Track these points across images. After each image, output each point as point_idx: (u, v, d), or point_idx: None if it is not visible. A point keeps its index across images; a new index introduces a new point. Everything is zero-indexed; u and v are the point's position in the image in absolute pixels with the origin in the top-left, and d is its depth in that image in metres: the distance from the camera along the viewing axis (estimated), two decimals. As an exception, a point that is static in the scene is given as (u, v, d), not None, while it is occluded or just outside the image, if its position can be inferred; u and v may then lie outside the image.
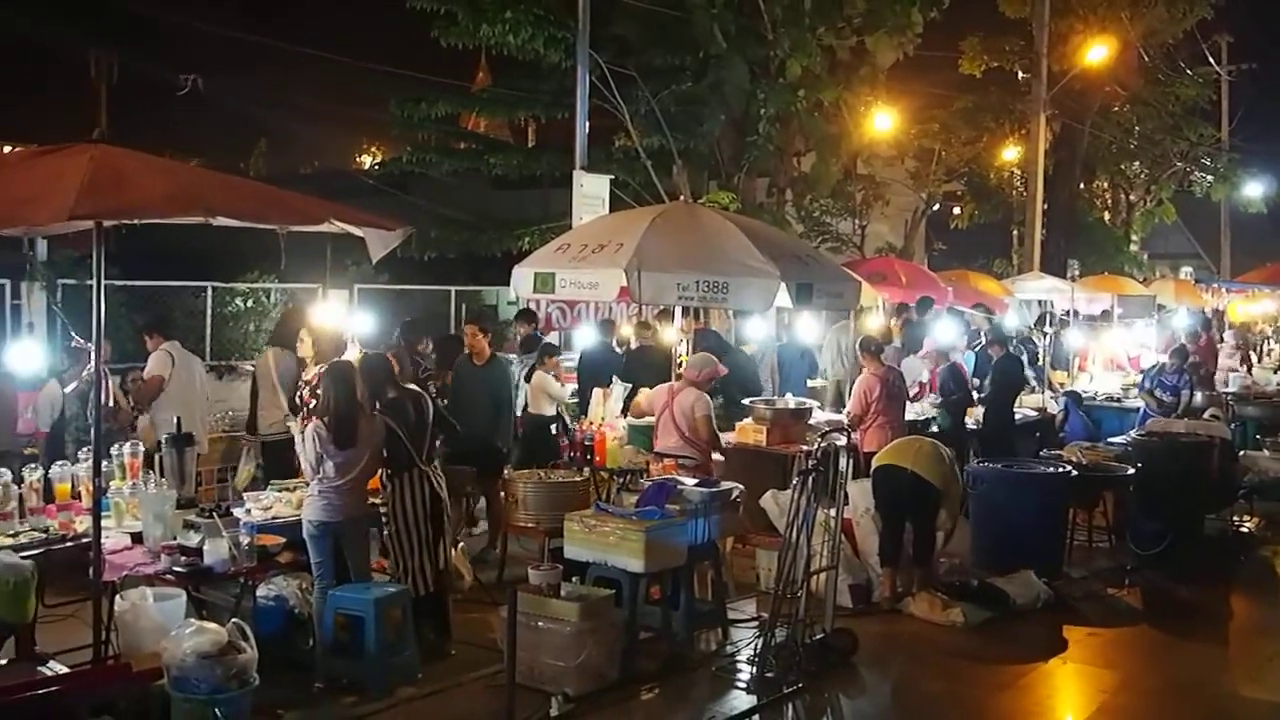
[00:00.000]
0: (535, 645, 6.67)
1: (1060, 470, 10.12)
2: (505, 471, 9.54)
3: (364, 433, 7.02)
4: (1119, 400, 15.46)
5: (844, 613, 8.12)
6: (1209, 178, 29.67)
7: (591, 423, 10.29)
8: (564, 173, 15.40)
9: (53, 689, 5.01)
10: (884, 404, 10.46)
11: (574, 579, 7.26)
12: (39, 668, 5.47)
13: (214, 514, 6.80)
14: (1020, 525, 9.58)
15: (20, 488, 7.07)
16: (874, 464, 9.09)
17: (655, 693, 7.10)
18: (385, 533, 7.46)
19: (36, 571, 5.53)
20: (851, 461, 7.95)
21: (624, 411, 10.58)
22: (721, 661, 7.55)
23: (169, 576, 6.53)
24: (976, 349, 14.30)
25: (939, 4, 19.68)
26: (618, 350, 12.51)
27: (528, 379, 11.12)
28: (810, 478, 7.32)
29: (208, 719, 5.55)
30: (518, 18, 16.57)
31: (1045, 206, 24.17)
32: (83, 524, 6.83)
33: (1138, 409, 14.42)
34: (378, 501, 7.54)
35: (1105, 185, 31.74)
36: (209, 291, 16.23)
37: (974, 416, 12.62)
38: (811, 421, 10.78)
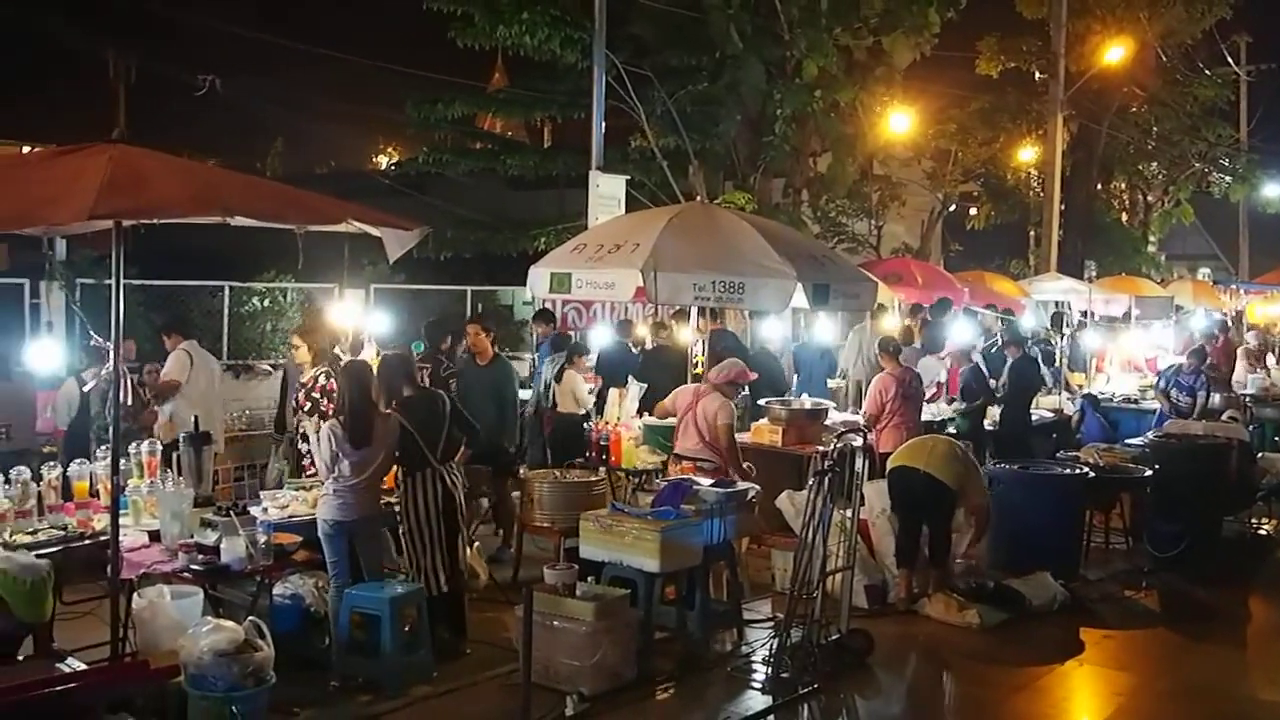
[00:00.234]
0: (551, 644, 6.68)
1: (1077, 472, 10.09)
2: (521, 471, 9.55)
3: (379, 431, 7.04)
4: (1136, 402, 15.40)
5: (859, 613, 8.11)
6: (1227, 178, 29.51)
7: (608, 423, 10.29)
8: (580, 173, 15.40)
9: (70, 685, 5.02)
10: (899, 404, 10.44)
11: (589, 579, 7.27)
12: (57, 664, 5.49)
13: (231, 512, 6.84)
14: (1037, 527, 9.55)
15: (39, 485, 7.12)
16: (888, 465, 9.07)
17: (670, 692, 7.10)
18: (400, 531, 7.47)
19: (53, 571, 5.55)
20: (867, 462, 7.94)
21: (640, 411, 10.59)
22: (737, 662, 7.54)
23: (186, 574, 6.56)
24: (993, 349, 14.25)
25: (956, 4, 19.62)
26: (634, 350, 12.51)
27: (558, 379, 11.14)
28: (826, 478, 7.31)
29: (224, 716, 5.57)
30: (534, 18, 16.59)
31: (1062, 207, 24.09)
32: (101, 522, 6.86)
33: (1154, 411, 14.36)
34: (392, 501, 7.57)
35: (1123, 186, 31.61)
36: (226, 291, 16.29)
37: (990, 418, 12.59)
38: (827, 422, 10.78)
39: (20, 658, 5.58)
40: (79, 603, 7.22)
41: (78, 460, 7.48)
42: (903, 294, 15.82)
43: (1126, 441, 12.50)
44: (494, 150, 20.61)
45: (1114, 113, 26.75)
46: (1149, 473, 10.62)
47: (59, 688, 4.95)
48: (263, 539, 6.71)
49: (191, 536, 6.75)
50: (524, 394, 11.59)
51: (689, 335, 10.80)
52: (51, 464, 7.44)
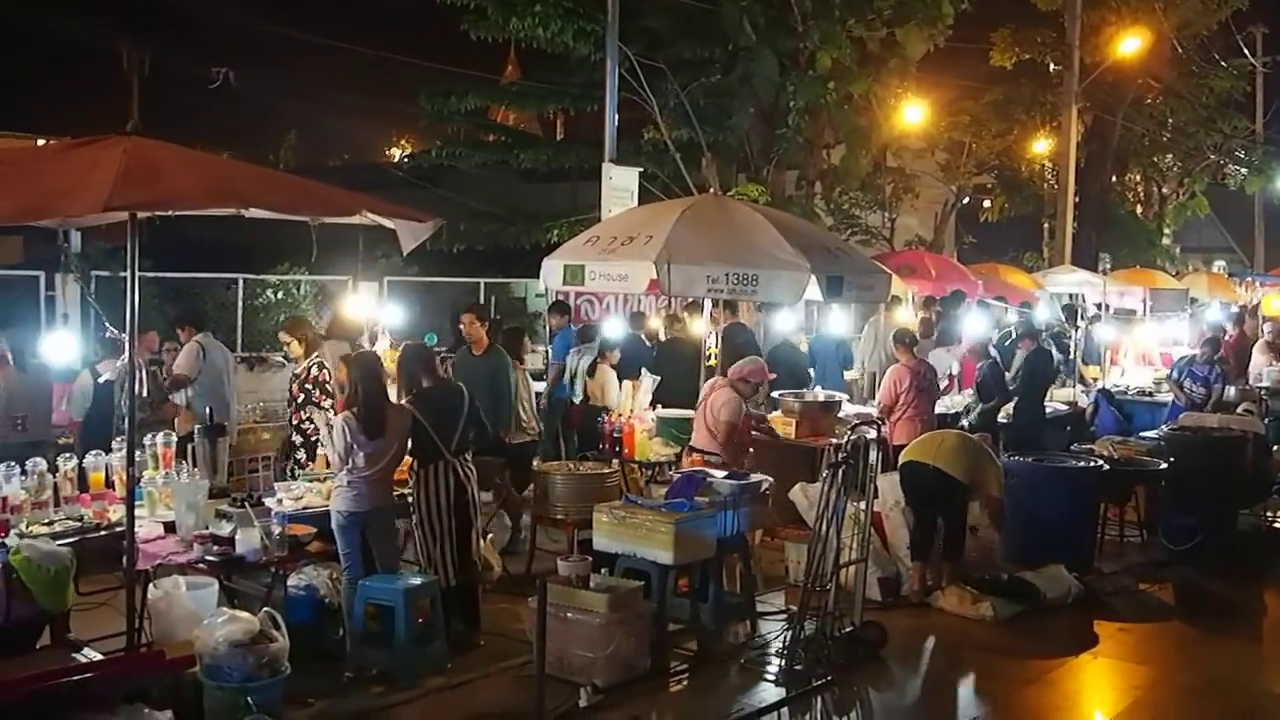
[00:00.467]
0: (564, 636, 6.68)
1: (1092, 464, 10.06)
2: (534, 463, 9.56)
3: (392, 422, 7.05)
4: (1150, 394, 15.33)
5: (873, 606, 8.09)
6: (1243, 170, 29.39)
7: (621, 415, 10.30)
8: (593, 165, 15.41)
9: (87, 675, 5.06)
10: (914, 396, 10.44)
11: (603, 571, 7.27)
12: (74, 654, 5.53)
13: (246, 504, 6.86)
14: (1051, 519, 9.52)
15: (55, 477, 7.15)
16: (900, 459, 9.05)
17: (684, 684, 7.11)
18: (411, 522, 7.48)
19: (75, 560, 5.58)
20: (881, 454, 7.92)
21: (653, 403, 10.61)
22: (750, 654, 7.53)
23: (201, 565, 6.59)
24: (1005, 342, 14.20)
25: (969, -5, 19.59)
26: (647, 343, 12.51)
27: (590, 373, 11.15)
28: (840, 470, 7.30)
29: (240, 707, 5.59)
30: (547, 11, 16.58)
31: (1076, 200, 24.01)
32: (116, 513, 6.88)
33: (1169, 403, 14.30)
34: (405, 492, 7.58)
35: (1137, 178, 31.49)
36: (240, 283, 16.35)
37: (1004, 411, 12.55)
38: (841, 414, 10.76)
39: (37, 647, 5.63)
40: (95, 593, 7.23)
41: (93, 451, 7.50)
42: (916, 286, 15.77)
43: (1141, 434, 12.45)
44: (507, 143, 20.63)
45: (1129, 104, 26.63)
46: (1164, 466, 10.58)
47: (76, 677, 4.98)
48: (277, 530, 6.74)
49: (206, 528, 6.78)
50: (537, 385, 11.58)
51: (702, 327, 10.79)
52: (67, 455, 7.47)
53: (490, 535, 8.86)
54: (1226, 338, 17.25)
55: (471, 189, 23.27)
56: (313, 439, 8.75)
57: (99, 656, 5.61)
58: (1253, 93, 31.15)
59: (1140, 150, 28.83)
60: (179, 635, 6.17)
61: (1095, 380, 15.56)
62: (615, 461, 9.52)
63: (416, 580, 7.02)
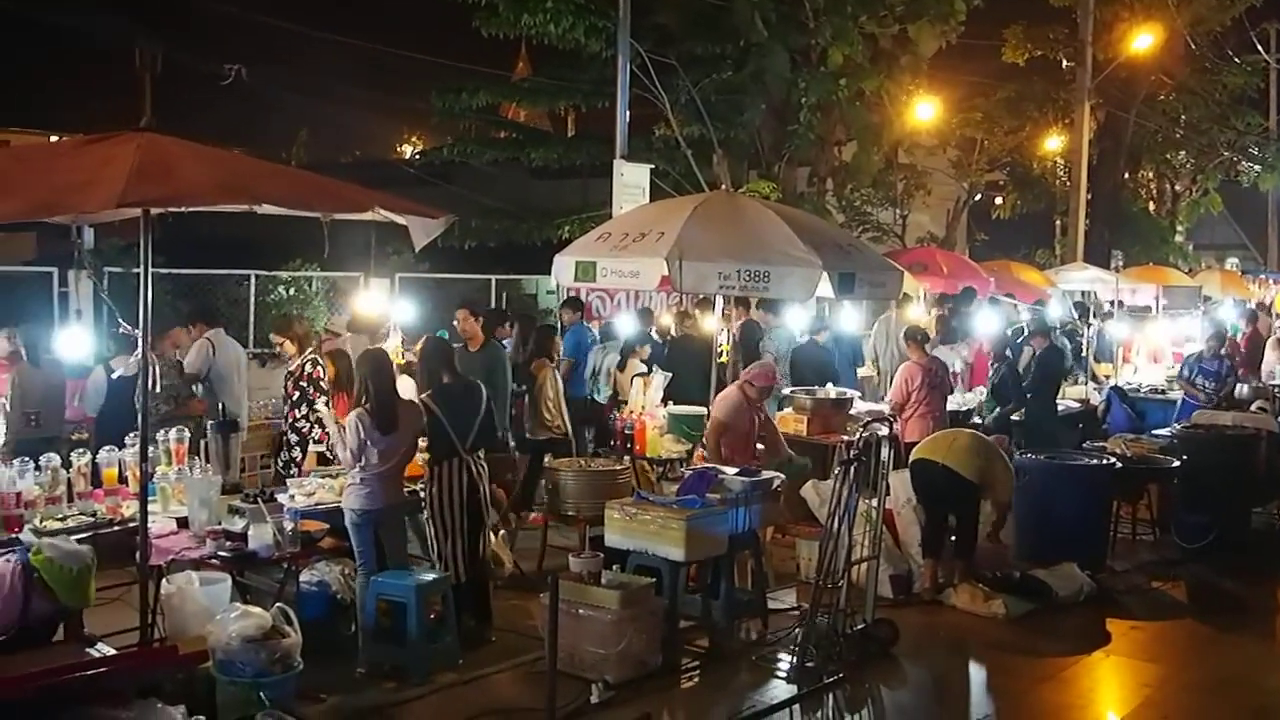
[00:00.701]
0: (576, 633, 6.68)
1: (1104, 462, 10.03)
2: (546, 459, 9.56)
3: (404, 418, 7.06)
4: (1163, 392, 15.28)
5: (885, 603, 8.07)
6: (1256, 167, 29.27)
7: (632, 411, 10.30)
8: (604, 162, 15.41)
9: (101, 670, 5.07)
10: (925, 393, 10.44)
11: (614, 567, 7.27)
12: (87, 649, 5.54)
13: (258, 500, 6.88)
14: (1063, 517, 9.49)
15: (69, 472, 7.18)
16: (911, 457, 9.03)
17: (695, 681, 7.11)
18: (423, 518, 7.49)
19: (95, 557, 5.62)
20: (892, 451, 7.91)
21: (665, 400, 10.61)
22: (762, 651, 7.52)
23: (214, 561, 6.61)
24: (1016, 340, 14.16)
25: (981, -9, 19.55)
26: (657, 339, 12.50)
27: (620, 368, 11.16)
28: (852, 468, 7.29)
29: (252, 702, 5.60)
30: (558, 7, 16.60)
31: (1089, 196, 23.94)
32: (130, 508, 6.91)
33: (1180, 401, 14.25)
34: (416, 489, 7.60)
35: (1150, 175, 31.40)
36: (252, 279, 16.38)
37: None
38: (852, 411, 10.75)
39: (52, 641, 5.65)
40: (108, 589, 7.25)
41: (107, 447, 7.53)
42: (928, 283, 15.73)
43: (1154, 432, 12.42)
44: (518, 140, 20.64)
45: (1142, 101, 26.55)
46: (1177, 463, 10.54)
47: (90, 673, 5.00)
48: (290, 526, 6.75)
49: (219, 523, 6.80)
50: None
51: (714, 324, 10.78)
52: (81, 451, 7.49)
53: (502, 532, 8.86)
54: (1240, 335, 17.22)
55: (483, 186, 23.29)
56: (308, 437, 8.78)
57: (113, 652, 5.62)
58: (1266, 89, 31.04)
59: (1153, 147, 28.74)
60: (192, 630, 6.20)
61: (1107, 378, 15.52)
62: (626, 458, 9.51)
63: (428, 576, 7.02)
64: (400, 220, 6.69)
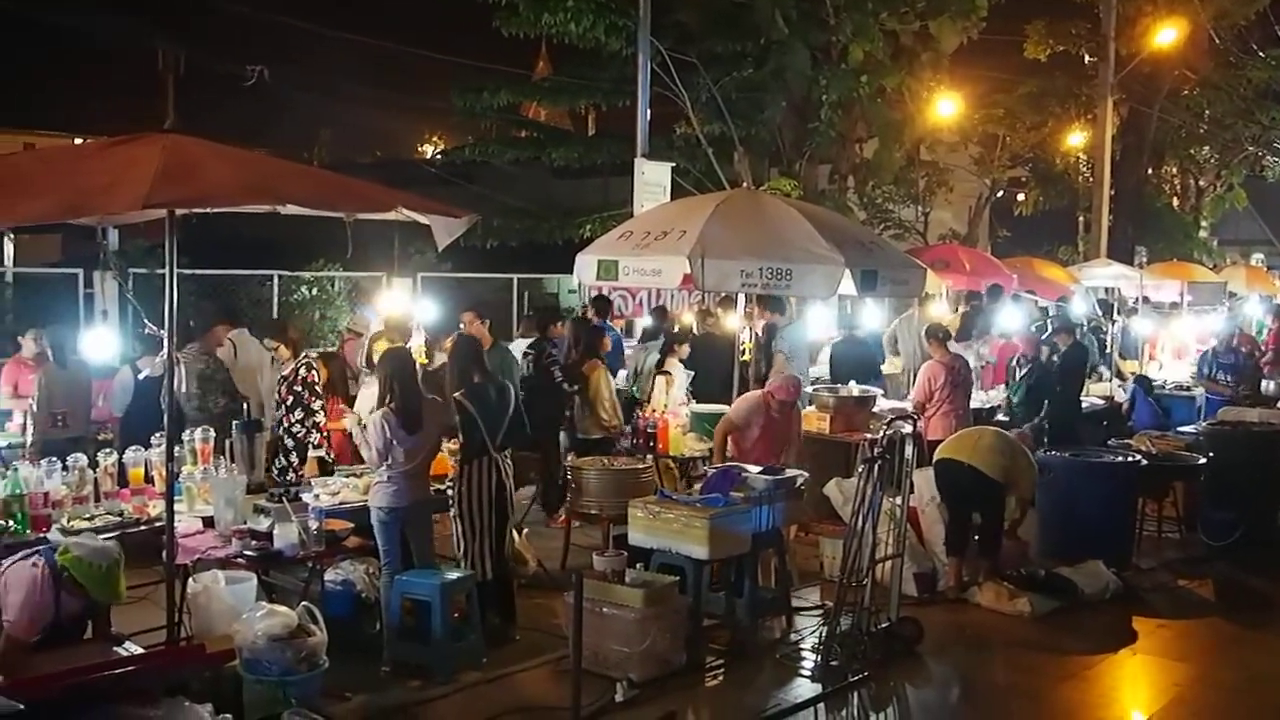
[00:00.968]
0: (600, 631, 6.68)
1: (1129, 459, 9.97)
2: (568, 459, 9.57)
3: (429, 416, 7.08)
4: (1188, 389, 15.19)
5: (909, 601, 8.06)
6: (1281, 161, 29.04)
7: (654, 410, 10.29)
8: (624, 160, 15.41)
9: (129, 669, 5.10)
10: (949, 391, 10.39)
11: (638, 566, 7.27)
12: (115, 648, 5.58)
13: (283, 499, 6.90)
14: (1089, 515, 9.45)
15: (95, 472, 7.22)
16: (935, 456, 9.00)
17: (720, 679, 7.10)
18: (450, 515, 7.50)
19: (122, 554, 5.66)
20: (916, 450, 7.88)
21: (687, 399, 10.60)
22: (785, 649, 7.53)
23: (240, 560, 6.63)
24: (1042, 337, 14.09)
25: (1003, -13, 19.46)
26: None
27: (659, 367, 11.18)
28: (876, 466, 7.26)
29: (278, 700, 5.63)
30: (579, 6, 16.61)
31: (1112, 192, 23.78)
32: (156, 508, 6.96)
33: (1203, 398, 14.16)
34: (441, 487, 7.62)
35: (1174, 170, 31.16)
36: (275, 280, 16.44)
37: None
38: (875, 409, 10.72)
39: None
40: (135, 588, 7.28)
41: (133, 447, 7.58)
42: (950, 281, 15.66)
43: (1179, 429, 12.34)
44: (539, 139, 20.66)
45: (1165, 96, 26.35)
46: (1203, 460, 10.48)
47: (118, 671, 5.03)
48: (314, 525, 6.78)
49: (245, 523, 6.82)
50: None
51: (736, 322, 10.77)
52: (107, 450, 7.53)
53: (525, 530, 8.88)
54: (1266, 331, 17.10)
55: (504, 185, 23.35)
56: (305, 442, 8.81)
57: (140, 650, 5.66)
58: (1291, 83, 30.75)
59: (1177, 142, 28.52)
60: (218, 629, 6.23)
61: (1133, 374, 15.43)
62: (649, 457, 9.51)
63: (453, 575, 7.04)
64: (423, 220, 6.70)
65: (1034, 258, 20.88)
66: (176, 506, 6.54)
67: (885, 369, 13.35)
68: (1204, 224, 30.46)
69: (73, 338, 9.91)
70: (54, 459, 7.08)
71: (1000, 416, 11.69)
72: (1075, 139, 26.24)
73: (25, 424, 9.19)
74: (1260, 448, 10.72)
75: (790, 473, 7.99)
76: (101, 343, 9.80)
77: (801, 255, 8.47)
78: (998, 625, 8.17)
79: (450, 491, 7.43)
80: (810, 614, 8.12)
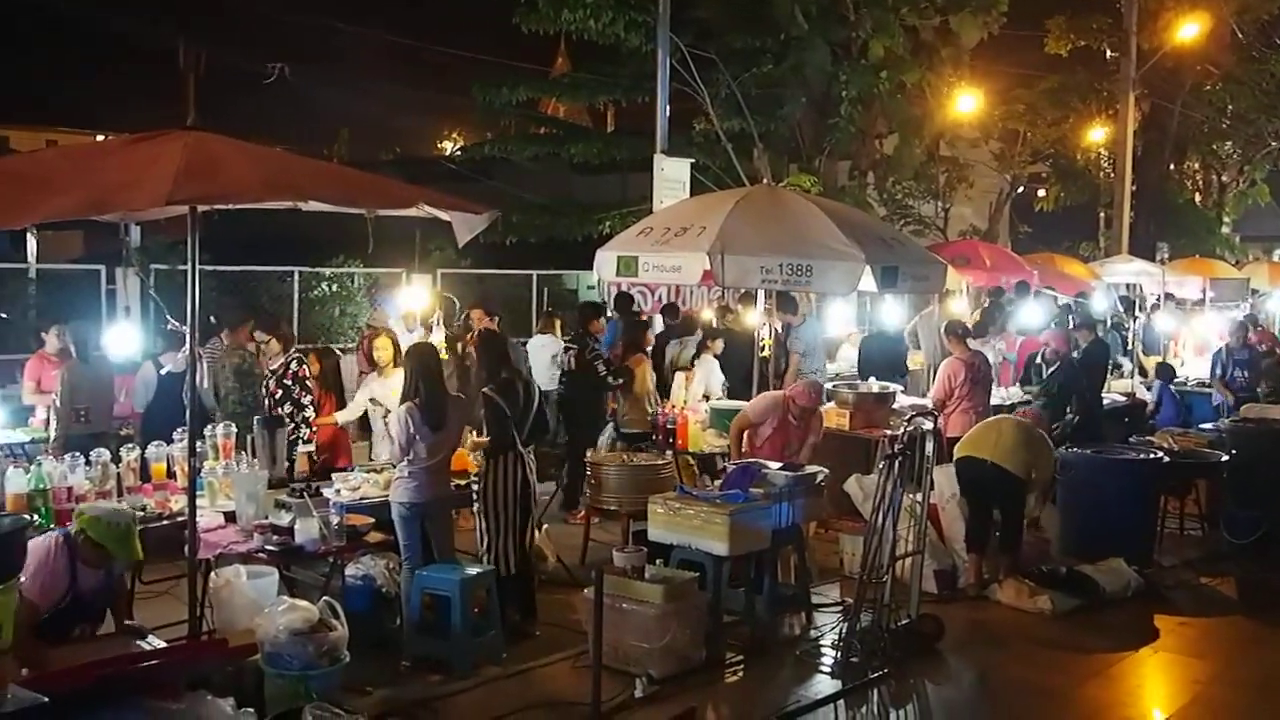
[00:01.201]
0: (620, 627, 6.69)
1: (1151, 456, 9.92)
2: (589, 454, 9.58)
3: (452, 412, 7.10)
4: (1211, 386, 15.09)
5: (929, 599, 8.04)
6: (1304, 157, 28.84)
7: (674, 406, 10.29)
8: (644, 157, 15.40)
9: (152, 663, 5.13)
10: (969, 389, 10.35)
11: (657, 562, 7.27)
12: (138, 642, 5.62)
13: (304, 494, 6.93)
14: (1110, 512, 9.40)
15: (118, 467, 7.27)
16: (955, 453, 8.97)
17: (739, 676, 7.10)
18: (475, 510, 7.52)
19: (135, 518, 5.78)
20: (936, 446, 7.85)
21: (706, 395, 10.59)
22: (805, 646, 7.51)
23: (261, 555, 6.66)
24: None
25: (1025, -19, 19.37)
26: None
27: (694, 361, 11.21)
28: (896, 462, 7.25)
29: (300, 695, 5.65)
30: (599, 2, 16.63)
31: (1134, 188, 23.69)
32: (178, 503, 6.99)
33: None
34: (462, 483, 7.64)
35: (1196, 166, 31.00)
36: (296, 276, 16.51)
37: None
38: (895, 406, 10.69)
39: (98, 634, 5.72)
40: (157, 582, 7.36)
41: (155, 442, 7.62)
42: (970, 277, 15.60)
43: (1201, 425, 12.27)
44: (558, 135, 20.67)
45: (1188, 91, 26.21)
46: (1225, 457, 10.42)
47: (141, 665, 5.06)
48: (335, 520, 6.81)
49: (266, 517, 6.86)
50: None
51: (756, 319, 10.76)
52: (130, 446, 7.58)
53: (545, 526, 8.89)
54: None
55: (523, 181, 23.37)
56: (291, 439, 8.85)
57: (163, 644, 5.69)
58: (1315, 78, 30.51)
59: (1199, 137, 28.38)
60: (240, 623, 6.26)
61: (1156, 364, 15.33)
62: (669, 453, 9.52)
63: (473, 570, 7.05)
64: (444, 216, 6.71)
65: (1055, 254, 20.80)
66: (199, 501, 6.57)
67: (913, 365, 13.32)
68: (1226, 220, 30.28)
69: (95, 333, 9.97)
70: (77, 454, 7.13)
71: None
72: (1096, 134, 26.11)
73: (49, 419, 9.27)
74: (1283, 445, 10.65)
75: (810, 469, 7.98)
76: (124, 338, 9.86)
77: (822, 251, 8.45)
78: (1018, 623, 8.14)
79: (476, 486, 7.45)
80: (830, 610, 8.11)
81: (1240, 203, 29.90)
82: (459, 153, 34.62)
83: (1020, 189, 27.20)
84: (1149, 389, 14.31)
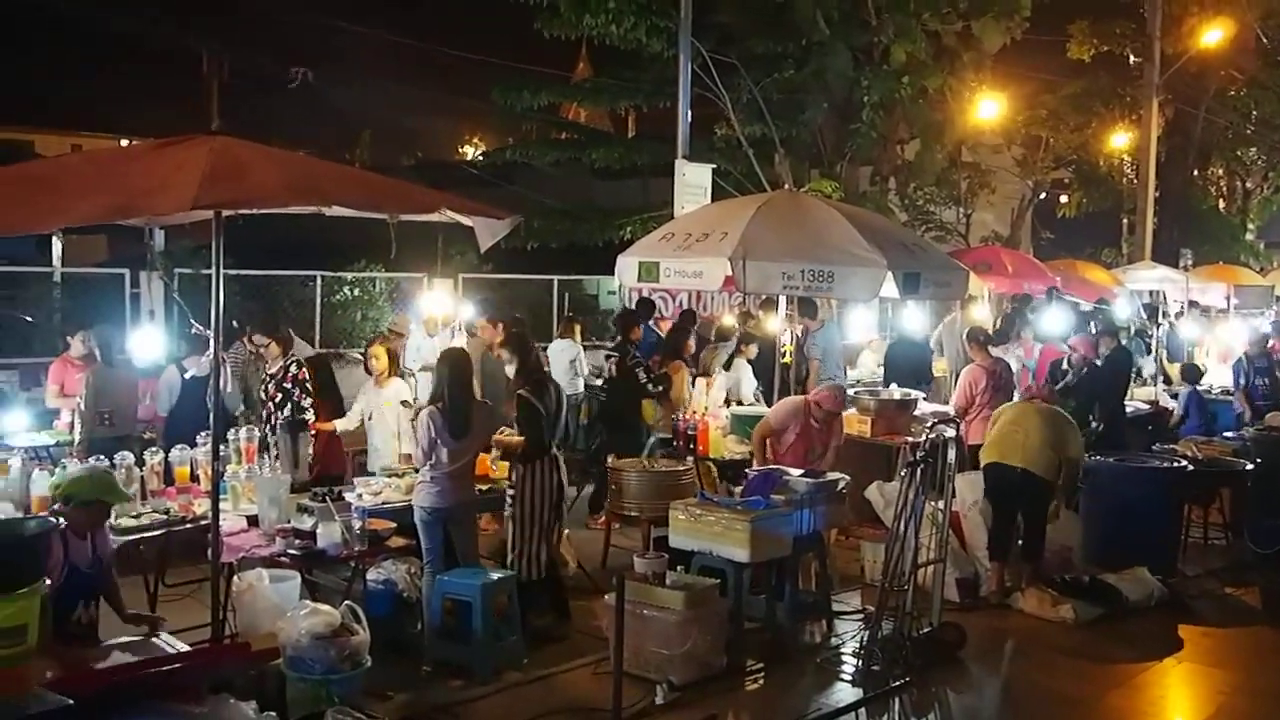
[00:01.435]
0: (641, 633, 6.68)
1: (1175, 464, 9.86)
2: (609, 460, 9.57)
3: (477, 420, 7.11)
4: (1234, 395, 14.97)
5: (951, 607, 8.00)
6: (1330, 163, 28.66)
7: (695, 412, 10.28)
8: (665, 162, 15.41)
9: (175, 666, 5.14)
10: (989, 396, 10.29)
11: (678, 568, 7.26)
12: (161, 646, 5.63)
13: (327, 498, 6.95)
14: (1133, 521, 9.35)
15: (142, 471, 7.30)
16: (982, 459, 8.91)
17: (760, 683, 7.09)
18: (507, 513, 7.53)
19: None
20: (958, 454, 7.82)
21: (727, 401, 10.58)
22: (826, 654, 7.49)
23: (284, 559, 6.68)
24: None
25: (1047, -13, 19.31)
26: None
27: (726, 366, 11.21)
28: (918, 469, 7.22)
29: (321, 699, 5.65)
30: (620, 7, 16.64)
31: (1157, 194, 23.56)
32: (201, 506, 7.02)
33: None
34: (483, 488, 7.64)
35: (1220, 172, 30.83)
36: (318, 280, 16.58)
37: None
38: (917, 413, 10.65)
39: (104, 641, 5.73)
40: (180, 585, 7.40)
41: (179, 446, 7.66)
42: (992, 283, 15.54)
43: (1226, 434, 12.19)
44: (579, 140, 20.71)
45: (1212, 96, 26.07)
46: (1250, 466, 10.35)
47: (164, 668, 5.07)
48: (358, 525, 6.83)
49: (289, 521, 6.88)
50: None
51: (777, 325, 10.74)
52: (153, 449, 7.62)
53: (566, 531, 8.89)
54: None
55: (544, 186, 23.40)
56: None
57: (186, 648, 5.71)
58: (1340, 84, 30.30)
59: (1223, 143, 28.22)
60: (263, 627, 6.27)
61: (1181, 366, 15.22)
62: (689, 459, 9.50)
63: (494, 575, 7.06)
64: (466, 221, 6.72)
65: (1077, 260, 20.71)
66: (221, 505, 6.59)
67: (938, 371, 13.28)
68: (1251, 226, 30.11)
69: (119, 337, 10.02)
70: (101, 457, 7.17)
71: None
72: (1119, 140, 25.99)
73: (73, 422, 9.31)
74: (1309, 453, 10.57)
75: (831, 476, 7.96)
76: (148, 342, 9.90)
77: (843, 257, 8.43)
78: (1040, 631, 8.10)
79: (511, 491, 7.45)
80: (851, 618, 8.09)
81: (1265, 209, 29.73)
82: (480, 157, 34.75)
83: (1042, 195, 27.13)
84: (1173, 396, 14.20)
